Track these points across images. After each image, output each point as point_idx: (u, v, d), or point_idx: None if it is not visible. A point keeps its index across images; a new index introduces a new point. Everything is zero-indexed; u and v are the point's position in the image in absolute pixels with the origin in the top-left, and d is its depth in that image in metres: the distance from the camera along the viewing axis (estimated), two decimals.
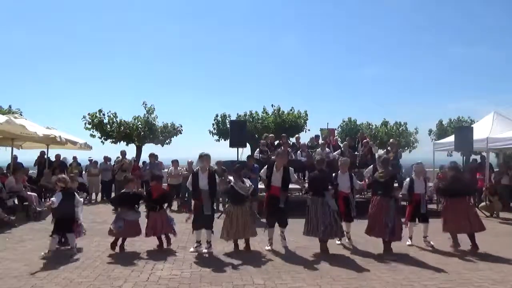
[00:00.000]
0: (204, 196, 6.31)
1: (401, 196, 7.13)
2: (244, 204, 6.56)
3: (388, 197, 6.39)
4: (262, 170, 7.06)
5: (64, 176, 6.50)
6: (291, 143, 13.39)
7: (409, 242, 6.93)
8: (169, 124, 18.25)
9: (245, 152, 12.11)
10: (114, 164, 13.50)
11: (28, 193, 9.96)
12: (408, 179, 7.21)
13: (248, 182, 6.70)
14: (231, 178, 6.85)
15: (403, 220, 6.74)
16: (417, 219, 7.05)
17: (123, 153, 12.73)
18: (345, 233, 6.96)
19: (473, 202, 12.17)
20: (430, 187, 8.01)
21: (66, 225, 6.15)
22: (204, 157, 6.45)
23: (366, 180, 7.66)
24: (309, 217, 6.40)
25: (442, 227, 6.83)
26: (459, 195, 6.72)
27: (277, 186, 6.65)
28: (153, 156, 12.89)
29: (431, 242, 6.86)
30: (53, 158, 13.51)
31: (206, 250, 6.32)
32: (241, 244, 6.60)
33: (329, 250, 6.29)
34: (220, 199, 11.49)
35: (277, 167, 6.70)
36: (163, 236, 6.62)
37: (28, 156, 14.34)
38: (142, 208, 6.72)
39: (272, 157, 8.69)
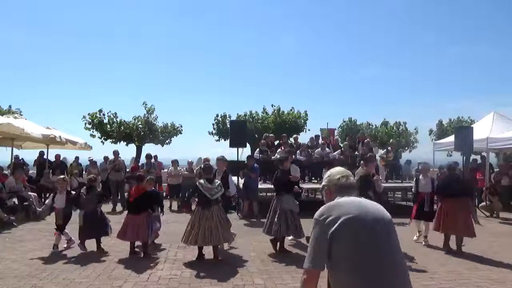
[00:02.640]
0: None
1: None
2: (210, 208, 5.81)
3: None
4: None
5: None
6: (292, 143, 13.37)
7: (415, 238, 7.26)
8: (169, 124, 18.24)
9: (245, 152, 12.10)
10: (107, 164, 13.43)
11: (28, 193, 9.96)
12: (415, 178, 7.53)
13: (217, 183, 6.04)
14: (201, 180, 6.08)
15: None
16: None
17: (116, 153, 12.72)
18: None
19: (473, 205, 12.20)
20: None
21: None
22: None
23: None
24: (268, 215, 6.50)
25: (435, 226, 6.77)
26: (457, 195, 6.64)
27: None
28: (149, 157, 12.88)
29: (428, 242, 6.97)
30: (53, 158, 13.48)
31: None
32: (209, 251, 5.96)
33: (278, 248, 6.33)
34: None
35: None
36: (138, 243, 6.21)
37: (28, 156, 14.33)
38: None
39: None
